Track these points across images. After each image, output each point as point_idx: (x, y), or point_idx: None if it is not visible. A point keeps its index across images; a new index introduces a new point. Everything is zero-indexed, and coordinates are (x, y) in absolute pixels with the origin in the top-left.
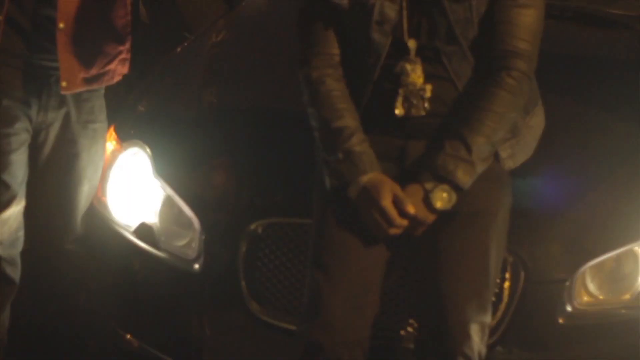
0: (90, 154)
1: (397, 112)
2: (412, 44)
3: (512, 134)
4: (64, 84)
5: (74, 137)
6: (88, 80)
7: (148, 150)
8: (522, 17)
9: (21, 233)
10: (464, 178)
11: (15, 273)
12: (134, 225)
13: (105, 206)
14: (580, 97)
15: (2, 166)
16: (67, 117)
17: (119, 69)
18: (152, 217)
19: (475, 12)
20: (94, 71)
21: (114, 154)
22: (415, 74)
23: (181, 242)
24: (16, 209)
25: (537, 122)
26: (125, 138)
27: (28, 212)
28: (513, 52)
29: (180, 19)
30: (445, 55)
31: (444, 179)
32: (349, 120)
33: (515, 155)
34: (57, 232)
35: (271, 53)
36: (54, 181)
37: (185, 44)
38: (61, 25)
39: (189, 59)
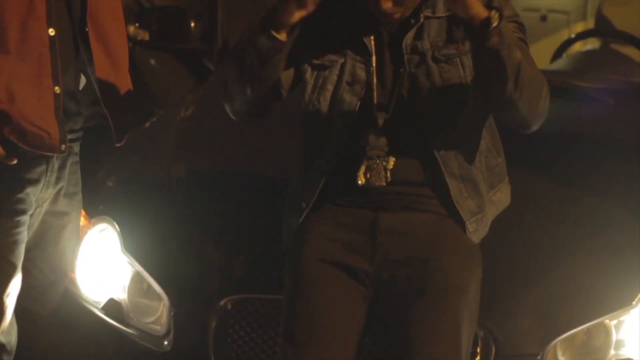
0: (75, 225)
1: (359, 181)
2: (380, 116)
3: (479, 209)
4: (116, 136)
5: (63, 209)
6: (132, 123)
7: (116, 226)
8: None
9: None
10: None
11: None
12: (102, 301)
13: (73, 282)
14: (549, 171)
15: (11, 248)
16: (58, 191)
17: (141, 108)
18: (120, 293)
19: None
20: (131, 114)
21: (83, 230)
22: (380, 146)
23: (150, 318)
24: (17, 288)
25: (500, 198)
26: (93, 214)
27: None
28: None
29: (149, 94)
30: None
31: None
32: None
33: (478, 231)
34: (39, 301)
35: (239, 128)
36: (40, 253)
37: (154, 119)
38: (99, 83)
39: (158, 134)
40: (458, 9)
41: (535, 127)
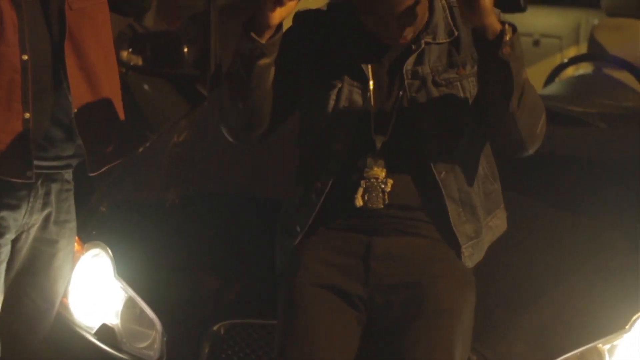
0: (66, 253)
1: (356, 203)
2: (378, 140)
3: (476, 234)
4: (89, 166)
5: (52, 237)
6: (110, 157)
7: (109, 251)
8: None
9: None
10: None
11: None
12: (95, 327)
13: (66, 308)
14: (542, 195)
15: None
16: (47, 218)
17: (128, 139)
18: (113, 318)
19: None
20: (113, 146)
21: (76, 256)
22: (378, 168)
23: (143, 344)
24: None
25: (496, 224)
26: (86, 239)
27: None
28: None
29: (142, 119)
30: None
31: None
32: None
33: (473, 256)
34: (30, 330)
35: (233, 153)
36: (30, 281)
37: (147, 144)
38: (76, 110)
39: (151, 159)
40: (473, 16)
41: (530, 151)
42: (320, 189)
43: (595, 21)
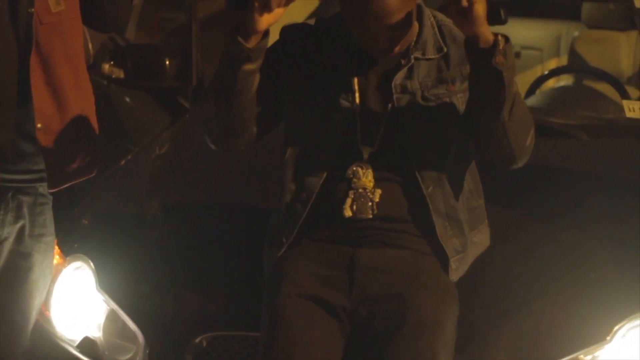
0: (42, 267)
1: (345, 213)
2: (365, 150)
3: (463, 248)
4: (49, 182)
5: (27, 250)
6: (71, 175)
7: (91, 264)
8: None
9: None
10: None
11: None
12: (77, 339)
13: (48, 320)
14: (523, 207)
15: None
16: (21, 231)
17: (95, 158)
18: (95, 331)
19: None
20: (75, 165)
21: (57, 268)
22: (367, 178)
23: (125, 357)
24: None
25: (480, 239)
26: (68, 252)
27: None
28: None
29: (123, 132)
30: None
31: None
32: None
33: (459, 270)
34: (7, 345)
35: (214, 166)
36: (5, 295)
37: (129, 157)
38: (39, 125)
39: (133, 171)
40: (466, 25)
41: (520, 164)
42: (306, 199)
43: (576, 33)
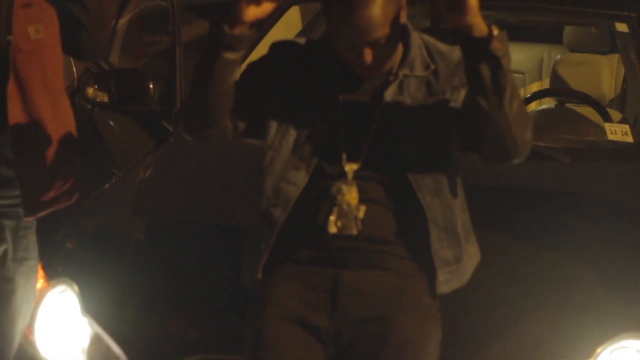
0: (25, 291)
1: (329, 229)
2: (349, 167)
3: (456, 260)
4: (25, 210)
5: (9, 274)
6: (48, 203)
7: (76, 287)
8: None
9: None
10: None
11: None
12: None
13: (32, 344)
14: (505, 228)
15: None
16: (4, 255)
17: (75, 186)
18: (79, 354)
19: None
20: (52, 193)
21: (42, 292)
22: (351, 195)
23: None
24: None
25: (474, 251)
26: (52, 276)
27: None
28: None
29: (108, 156)
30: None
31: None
32: None
33: (450, 281)
34: None
35: (198, 189)
36: None
37: (113, 181)
38: (15, 152)
39: (117, 195)
40: (460, 16)
41: (523, 157)
42: (284, 205)
43: (558, 56)
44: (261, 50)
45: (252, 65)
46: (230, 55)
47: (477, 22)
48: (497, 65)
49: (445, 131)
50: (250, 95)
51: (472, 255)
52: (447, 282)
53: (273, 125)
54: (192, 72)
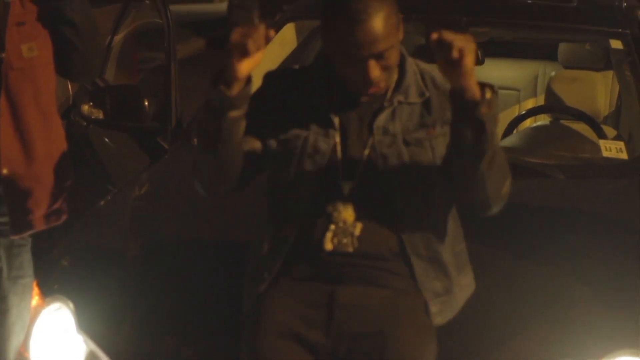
0: (20, 309)
1: (326, 246)
2: (346, 185)
3: (445, 291)
4: (11, 228)
5: (4, 293)
6: (36, 223)
7: (71, 305)
8: None
9: None
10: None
11: None
12: None
13: None
14: (500, 245)
15: None
16: None
17: (64, 207)
18: None
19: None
20: (41, 212)
21: (37, 310)
22: (347, 212)
23: None
24: None
25: (467, 282)
26: (48, 293)
27: None
28: None
29: (103, 172)
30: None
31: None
32: None
33: (443, 312)
34: None
35: (193, 206)
36: None
37: (109, 197)
38: (5, 171)
39: (113, 212)
40: (454, 77)
41: (494, 211)
42: (288, 235)
43: (553, 73)
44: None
45: (250, 106)
46: (235, 114)
47: (470, 85)
48: (481, 130)
49: (431, 164)
50: (255, 134)
51: (464, 286)
52: (440, 313)
53: (275, 155)
54: (197, 134)
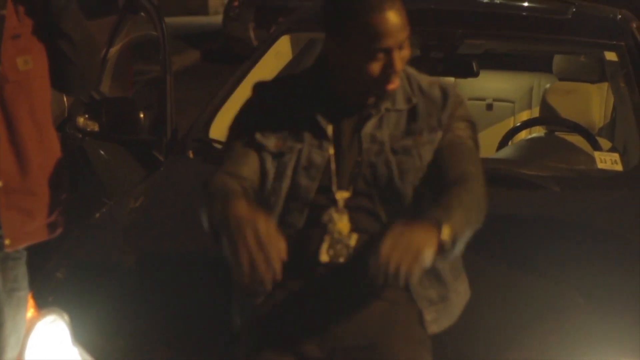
0: (15, 321)
1: (321, 258)
2: (340, 195)
3: (440, 298)
4: (7, 241)
5: None
6: (30, 236)
7: (66, 317)
8: (466, 148)
9: None
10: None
11: None
12: None
13: None
14: (496, 257)
15: None
16: None
17: (59, 220)
18: None
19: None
20: (36, 224)
21: (32, 322)
22: (342, 223)
23: None
24: None
25: (464, 289)
26: (43, 305)
27: None
28: (464, 175)
29: (99, 185)
30: (381, 206)
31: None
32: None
33: (439, 320)
34: None
35: (189, 219)
36: None
37: (104, 210)
38: (1, 184)
39: (108, 224)
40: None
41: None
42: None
43: (547, 85)
44: (251, 79)
45: (240, 123)
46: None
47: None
48: (445, 257)
49: (419, 171)
50: (251, 155)
51: (461, 292)
52: (436, 321)
53: (270, 170)
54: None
